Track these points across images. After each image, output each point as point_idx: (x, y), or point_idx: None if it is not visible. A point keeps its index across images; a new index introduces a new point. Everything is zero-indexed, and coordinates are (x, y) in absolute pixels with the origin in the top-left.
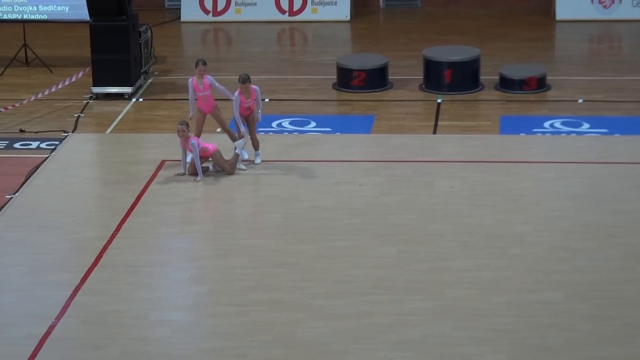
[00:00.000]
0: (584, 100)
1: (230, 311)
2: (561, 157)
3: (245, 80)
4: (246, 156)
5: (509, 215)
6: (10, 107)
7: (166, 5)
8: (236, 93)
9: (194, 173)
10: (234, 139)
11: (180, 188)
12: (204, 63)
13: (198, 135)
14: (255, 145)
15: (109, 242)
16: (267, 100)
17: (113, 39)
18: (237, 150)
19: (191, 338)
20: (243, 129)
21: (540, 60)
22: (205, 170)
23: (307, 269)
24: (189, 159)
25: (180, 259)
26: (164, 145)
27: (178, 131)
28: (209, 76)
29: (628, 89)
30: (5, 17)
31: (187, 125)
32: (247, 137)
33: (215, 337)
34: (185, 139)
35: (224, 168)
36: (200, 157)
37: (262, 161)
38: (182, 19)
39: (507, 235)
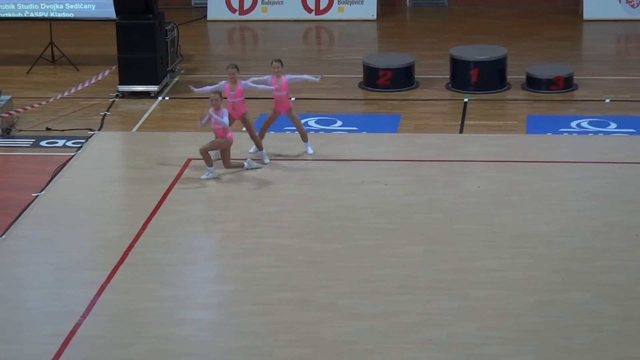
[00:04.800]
0: (611, 100)
1: (256, 310)
2: (588, 157)
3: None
4: (267, 160)
5: (536, 215)
6: (36, 105)
7: (193, 4)
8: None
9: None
10: (259, 147)
11: (207, 187)
12: (234, 67)
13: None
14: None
15: (135, 240)
16: (293, 99)
17: (139, 38)
18: (245, 166)
19: (216, 337)
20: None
21: (567, 59)
22: (240, 167)
23: (332, 268)
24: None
25: (205, 258)
26: (190, 143)
27: (212, 100)
28: (243, 82)
29: None
30: (32, 15)
31: (221, 95)
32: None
33: (241, 336)
34: (217, 109)
35: (225, 159)
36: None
37: (271, 160)
38: (209, 17)
39: (534, 235)
